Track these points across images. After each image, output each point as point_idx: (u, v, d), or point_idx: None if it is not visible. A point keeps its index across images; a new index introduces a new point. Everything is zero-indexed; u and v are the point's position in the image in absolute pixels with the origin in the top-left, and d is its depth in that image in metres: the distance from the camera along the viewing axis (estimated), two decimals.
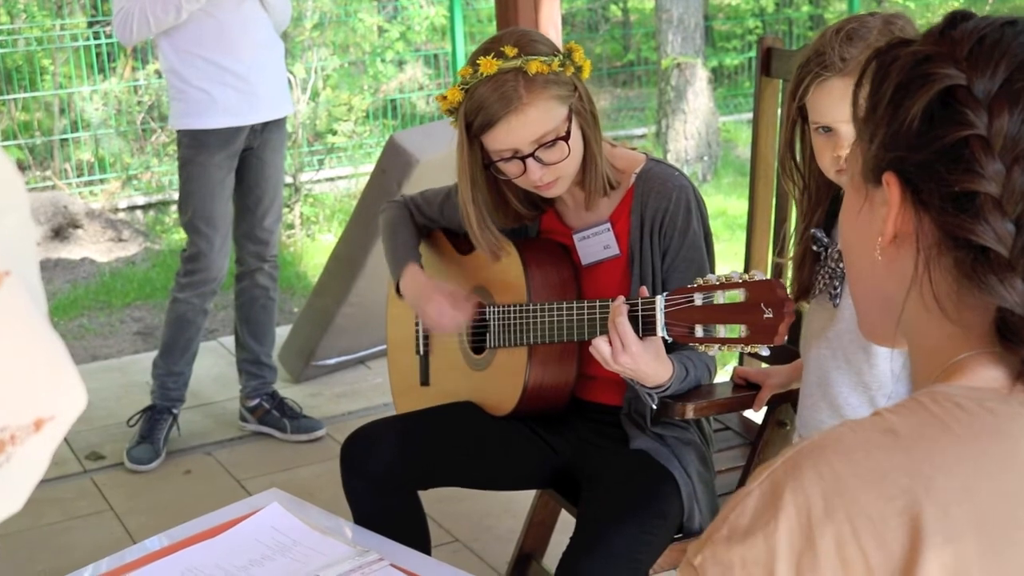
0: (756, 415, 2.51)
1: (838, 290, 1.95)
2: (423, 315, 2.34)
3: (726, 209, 6.51)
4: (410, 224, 2.46)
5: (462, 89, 2.14)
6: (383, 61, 8.30)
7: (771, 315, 1.80)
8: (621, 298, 1.97)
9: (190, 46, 3.50)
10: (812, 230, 2.00)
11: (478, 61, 2.11)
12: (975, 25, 0.94)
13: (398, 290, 2.41)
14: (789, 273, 2.11)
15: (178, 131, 3.60)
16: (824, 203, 1.99)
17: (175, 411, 3.77)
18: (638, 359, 1.94)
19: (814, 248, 2.00)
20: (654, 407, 2.09)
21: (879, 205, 0.98)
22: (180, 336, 3.71)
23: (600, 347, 1.96)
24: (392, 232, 2.46)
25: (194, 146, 3.55)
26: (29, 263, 0.71)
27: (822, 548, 0.83)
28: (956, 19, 0.96)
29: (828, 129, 1.88)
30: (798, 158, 1.98)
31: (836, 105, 1.85)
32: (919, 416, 0.89)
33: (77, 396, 0.72)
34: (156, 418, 3.72)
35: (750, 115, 10.15)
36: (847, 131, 1.84)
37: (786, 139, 1.98)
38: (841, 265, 1.94)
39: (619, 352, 1.94)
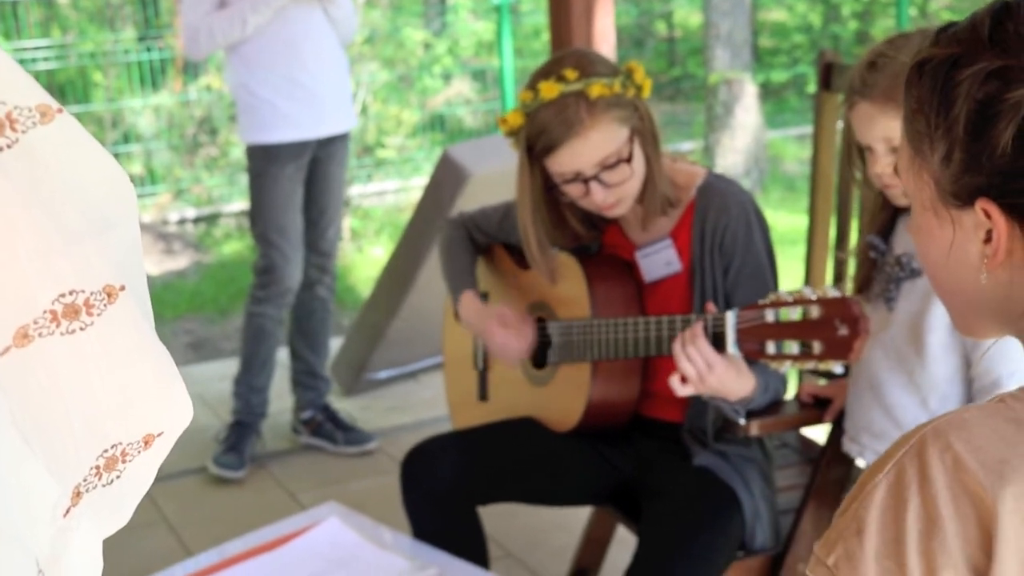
0: (815, 433, 2.50)
1: (893, 295, 1.98)
2: (490, 348, 2.37)
3: (775, 225, 6.45)
4: (468, 245, 2.47)
5: (524, 113, 2.14)
6: (430, 75, 8.33)
7: (846, 332, 1.78)
8: (699, 325, 1.95)
9: (257, 59, 3.52)
10: (869, 237, 2.05)
11: (539, 85, 2.10)
12: None
13: (456, 315, 2.42)
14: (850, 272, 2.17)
15: (247, 145, 3.64)
16: (887, 210, 2.04)
17: (259, 428, 3.78)
18: (724, 377, 1.93)
19: (871, 255, 2.04)
20: (742, 421, 2.07)
21: (972, 228, 0.95)
22: (260, 349, 3.72)
23: (686, 370, 1.94)
24: (449, 254, 2.47)
25: (263, 159, 3.57)
26: (139, 277, 0.71)
27: (950, 532, 0.84)
28: (1001, 17, 0.92)
29: (868, 148, 1.96)
30: (862, 170, 2.03)
31: (866, 126, 1.92)
32: None
33: (184, 411, 0.71)
34: (243, 432, 3.73)
35: (797, 131, 10.01)
36: (881, 150, 1.92)
37: (845, 151, 2.04)
38: (897, 271, 1.99)
39: (706, 374, 1.92)
